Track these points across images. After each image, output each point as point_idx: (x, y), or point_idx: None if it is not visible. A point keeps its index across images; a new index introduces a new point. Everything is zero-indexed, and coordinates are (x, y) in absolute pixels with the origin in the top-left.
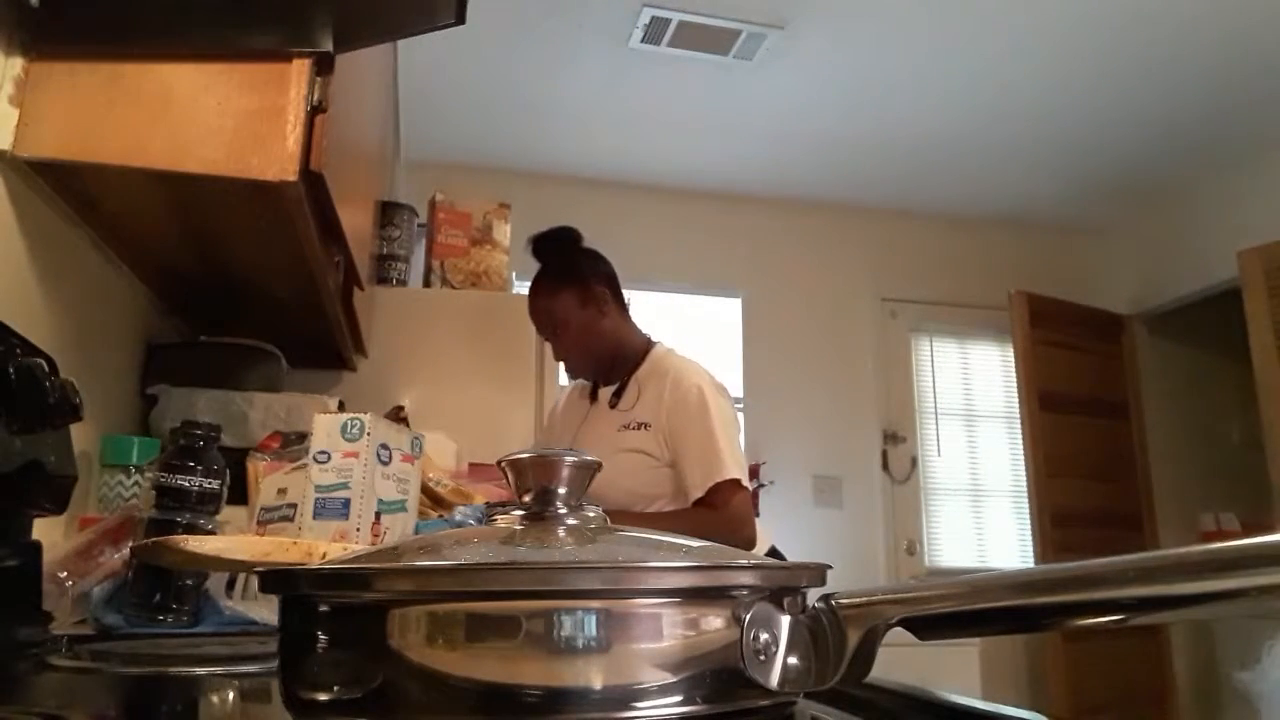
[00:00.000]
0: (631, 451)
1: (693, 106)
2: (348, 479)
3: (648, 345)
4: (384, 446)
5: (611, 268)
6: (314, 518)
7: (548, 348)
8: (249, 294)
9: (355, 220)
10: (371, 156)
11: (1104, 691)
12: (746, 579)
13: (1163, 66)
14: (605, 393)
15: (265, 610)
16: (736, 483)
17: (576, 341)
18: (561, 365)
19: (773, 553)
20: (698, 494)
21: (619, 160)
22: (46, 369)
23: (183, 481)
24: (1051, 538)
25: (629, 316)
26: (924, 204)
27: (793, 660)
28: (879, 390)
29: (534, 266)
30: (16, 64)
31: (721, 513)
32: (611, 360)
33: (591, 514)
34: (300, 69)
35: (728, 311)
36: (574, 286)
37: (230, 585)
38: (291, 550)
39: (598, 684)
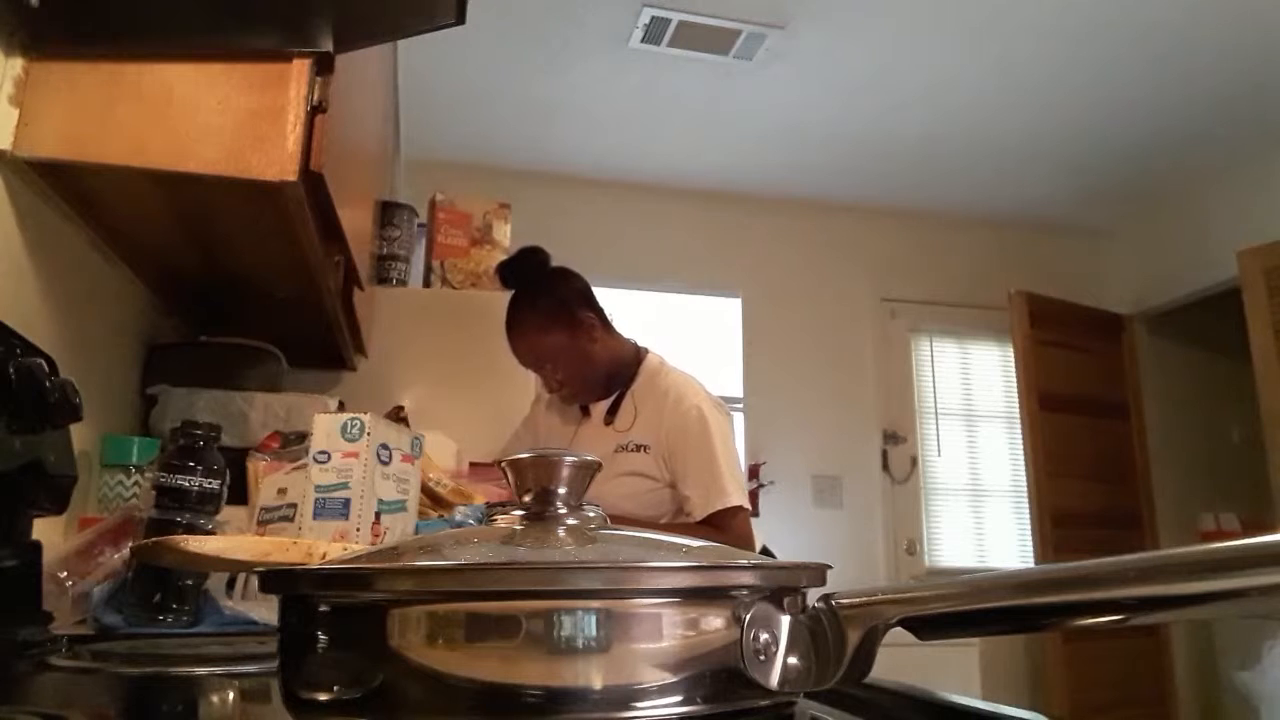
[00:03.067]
0: (630, 475)
1: (693, 106)
2: (348, 479)
3: (638, 355)
4: (384, 446)
5: (585, 282)
6: (314, 518)
7: None
8: (249, 294)
9: (355, 220)
10: (371, 156)
11: (1104, 691)
12: (746, 579)
13: (1163, 66)
14: (599, 409)
15: (265, 610)
16: (739, 508)
17: (573, 374)
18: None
19: (764, 552)
20: (699, 518)
21: (619, 160)
22: (46, 369)
23: (183, 481)
24: (1051, 538)
25: (614, 329)
26: (924, 204)
27: (793, 660)
28: (879, 390)
29: None
30: (16, 64)
31: (725, 535)
32: (608, 380)
33: (591, 514)
34: (300, 69)
35: (727, 311)
36: (561, 320)
37: (230, 585)
38: (291, 550)
39: (598, 684)
